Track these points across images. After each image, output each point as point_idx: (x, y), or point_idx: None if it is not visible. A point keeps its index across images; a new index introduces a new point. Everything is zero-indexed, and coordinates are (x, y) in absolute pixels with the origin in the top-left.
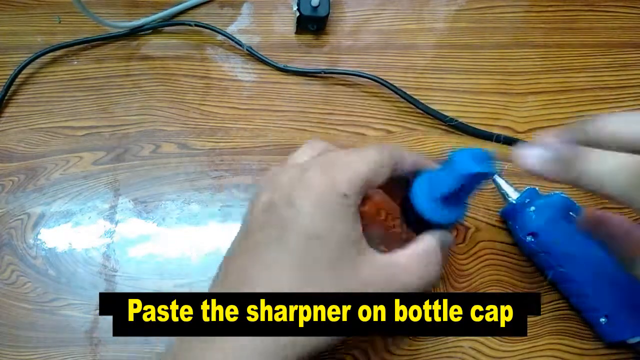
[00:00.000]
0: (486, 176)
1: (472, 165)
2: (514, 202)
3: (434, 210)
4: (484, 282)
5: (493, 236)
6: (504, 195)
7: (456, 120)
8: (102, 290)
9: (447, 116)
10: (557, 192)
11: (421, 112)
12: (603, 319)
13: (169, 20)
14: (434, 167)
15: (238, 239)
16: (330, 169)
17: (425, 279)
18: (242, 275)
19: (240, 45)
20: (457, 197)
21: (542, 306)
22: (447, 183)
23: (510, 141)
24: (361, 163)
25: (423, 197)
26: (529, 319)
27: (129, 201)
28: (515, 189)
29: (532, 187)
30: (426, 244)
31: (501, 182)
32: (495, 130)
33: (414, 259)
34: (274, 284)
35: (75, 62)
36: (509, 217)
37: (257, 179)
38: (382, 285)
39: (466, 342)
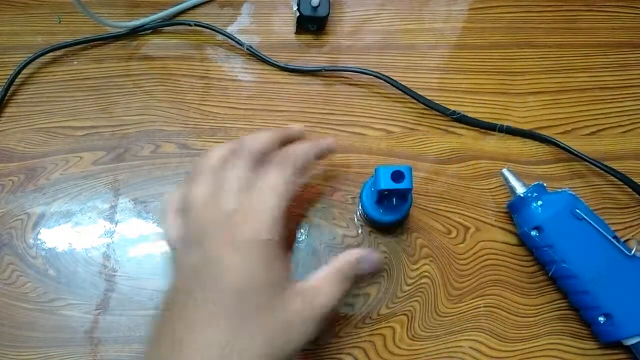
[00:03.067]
0: (402, 191)
1: (387, 183)
2: (521, 195)
3: (375, 212)
4: (484, 282)
5: (493, 236)
6: (512, 189)
7: (459, 113)
8: (102, 290)
9: (449, 109)
10: (565, 189)
11: (422, 111)
12: (601, 318)
13: (169, 20)
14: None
15: (168, 301)
16: (251, 216)
17: (331, 295)
18: (173, 340)
19: (241, 45)
20: (389, 203)
21: (542, 306)
22: (374, 194)
23: (513, 132)
24: (274, 197)
25: (367, 202)
26: (527, 320)
27: (129, 201)
28: (523, 184)
29: (539, 182)
30: (330, 266)
31: (509, 175)
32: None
33: (321, 280)
34: (204, 345)
35: (75, 62)
36: (514, 210)
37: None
38: (306, 313)
39: (466, 342)
